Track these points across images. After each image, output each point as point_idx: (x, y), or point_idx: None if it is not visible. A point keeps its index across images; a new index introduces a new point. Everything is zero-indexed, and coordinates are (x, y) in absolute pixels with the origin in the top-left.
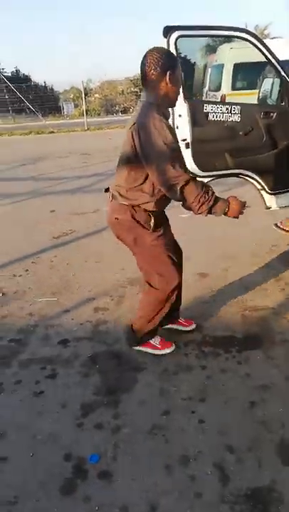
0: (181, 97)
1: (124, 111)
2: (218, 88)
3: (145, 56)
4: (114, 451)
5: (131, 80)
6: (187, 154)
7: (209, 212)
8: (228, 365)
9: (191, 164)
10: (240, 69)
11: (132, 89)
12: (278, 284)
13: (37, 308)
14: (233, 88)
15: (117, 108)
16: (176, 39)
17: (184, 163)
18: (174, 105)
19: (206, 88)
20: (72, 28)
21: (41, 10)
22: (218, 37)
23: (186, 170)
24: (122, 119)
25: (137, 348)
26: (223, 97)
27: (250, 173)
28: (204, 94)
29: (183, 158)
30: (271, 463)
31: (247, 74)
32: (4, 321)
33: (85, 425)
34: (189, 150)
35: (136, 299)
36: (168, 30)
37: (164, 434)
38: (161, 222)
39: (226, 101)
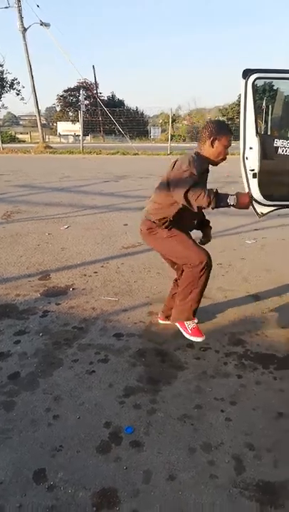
0: (253, 132)
1: None
2: None
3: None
4: (147, 428)
5: (220, 109)
6: (254, 183)
7: (219, 206)
8: (263, 378)
9: (256, 193)
10: None
11: (220, 117)
12: None
13: (100, 305)
14: None
15: None
16: (254, 81)
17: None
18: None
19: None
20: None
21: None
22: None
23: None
24: None
25: (175, 323)
26: None
27: None
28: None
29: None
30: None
31: None
32: (71, 311)
33: (126, 403)
34: (256, 180)
35: None
36: (246, 73)
37: (193, 424)
38: (176, 227)
39: None
